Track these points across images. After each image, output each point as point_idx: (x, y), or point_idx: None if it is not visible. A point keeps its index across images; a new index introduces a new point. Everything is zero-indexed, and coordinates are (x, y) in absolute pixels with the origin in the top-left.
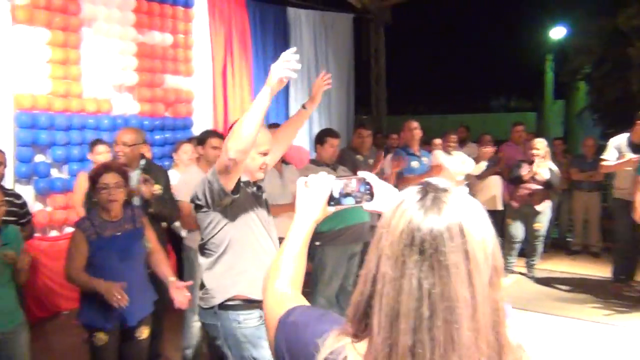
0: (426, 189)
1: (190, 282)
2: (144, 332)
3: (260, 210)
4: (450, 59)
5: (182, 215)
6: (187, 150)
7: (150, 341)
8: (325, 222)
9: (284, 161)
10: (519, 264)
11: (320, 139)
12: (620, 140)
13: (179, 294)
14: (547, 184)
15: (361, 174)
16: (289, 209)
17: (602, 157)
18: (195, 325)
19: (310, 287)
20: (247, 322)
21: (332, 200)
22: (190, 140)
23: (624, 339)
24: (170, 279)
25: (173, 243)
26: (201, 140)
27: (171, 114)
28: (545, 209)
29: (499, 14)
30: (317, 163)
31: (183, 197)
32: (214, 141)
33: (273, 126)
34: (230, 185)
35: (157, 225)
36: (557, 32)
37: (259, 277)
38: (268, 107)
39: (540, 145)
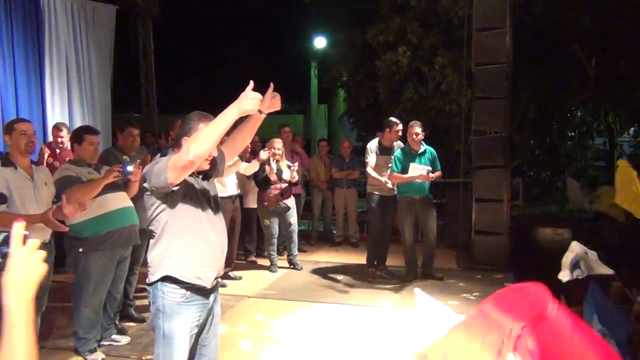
0: None
1: None
2: None
3: (205, 203)
4: (224, 60)
5: None
6: None
7: None
8: (89, 226)
9: (33, 162)
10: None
11: (78, 137)
12: (375, 143)
13: None
14: (291, 182)
15: None
16: (39, 219)
17: (366, 160)
18: None
19: (73, 299)
20: (169, 294)
21: None
22: None
23: (373, 318)
24: None
25: None
26: None
27: None
28: (293, 204)
29: (271, 19)
30: (77, 163)
31: None
32: None
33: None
34: (177, 180)
35: None
36: (320, 42)
37: (191, 261)
38: (231, 124)
39: (279, 145)
